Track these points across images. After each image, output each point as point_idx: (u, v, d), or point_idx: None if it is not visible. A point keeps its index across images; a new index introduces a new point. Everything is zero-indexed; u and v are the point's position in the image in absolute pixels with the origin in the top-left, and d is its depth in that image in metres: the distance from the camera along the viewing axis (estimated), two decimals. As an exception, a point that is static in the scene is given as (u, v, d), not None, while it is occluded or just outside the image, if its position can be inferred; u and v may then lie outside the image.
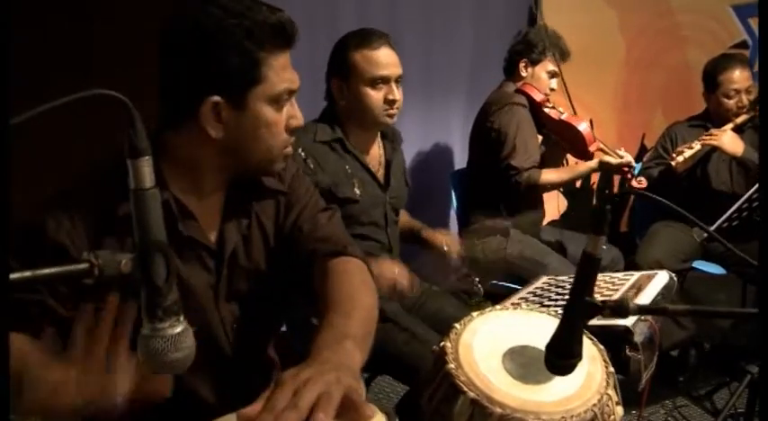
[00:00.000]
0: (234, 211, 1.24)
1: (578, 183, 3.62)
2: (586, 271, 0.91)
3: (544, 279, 1.97)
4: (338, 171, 1.90)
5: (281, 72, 1.12)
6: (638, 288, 1.71)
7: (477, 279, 2.69)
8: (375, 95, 1.89)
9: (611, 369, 1.23)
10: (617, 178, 3.51)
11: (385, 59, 1.89)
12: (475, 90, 3.13)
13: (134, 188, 0.76)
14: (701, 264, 2.96)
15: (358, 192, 1.92)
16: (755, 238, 2.29)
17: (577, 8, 3.62)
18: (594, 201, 3.87)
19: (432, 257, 2.11)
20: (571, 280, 1.88)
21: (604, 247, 2.68)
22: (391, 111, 1.93)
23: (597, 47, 3.73)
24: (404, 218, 2.25)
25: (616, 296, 1.66)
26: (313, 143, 1.89)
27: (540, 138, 2.74)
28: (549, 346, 0.98)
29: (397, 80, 1.92)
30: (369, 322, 1.12)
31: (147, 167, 0.76)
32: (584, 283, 0.92)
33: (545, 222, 3.01)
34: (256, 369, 1.33)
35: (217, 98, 1.09)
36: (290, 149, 1.21)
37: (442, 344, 1.22)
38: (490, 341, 1.18)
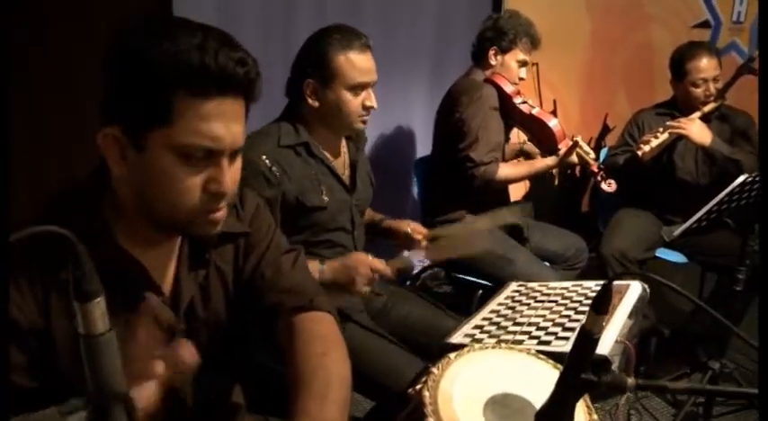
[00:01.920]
0: (189, 261, 1.13)
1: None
2: (583, 348, 0.83)
3: (513, 286, 1.91)
4: (305, 178, 1.79)
5: (197, 122, 0.94)
6: (612, 304, 1.66)
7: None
8: (354, 101, 1.78)
9: (594, 416, 1.18)
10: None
11: (369, 65, 1.79)
12: (438, 73, 3.02)
13: (84, 334, 0.65)
14: (663, 253, 2.95)
15: (326, 198, 1.81)
16: (719, 228, 2.30)
17: (544, -16, 3.51)
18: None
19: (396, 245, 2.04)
20: (542, 288, 1.86)
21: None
22: (366, 117, 1.84)
23: (563, 26, 3.64)
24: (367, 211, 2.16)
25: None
26: (277, 148, 1.76)
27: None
28: (538, 416, 0.90)
29: (373, 85, 1.83)
30: (345, 403, 1.03)
31: (98, 310, 0.66)
32: (579, 360, 0.84)
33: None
34: (220, 417, 1.24)
35: (117, 131, 0.96)
36: (218, 215, 1.03)
37: (419, 388, 1.15)
38: (470, 388, 1.11)
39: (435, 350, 1.50)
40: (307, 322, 1.12)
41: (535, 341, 1.47)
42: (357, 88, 1.77)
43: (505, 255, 2.48)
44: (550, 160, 2.48)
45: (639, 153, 2.70)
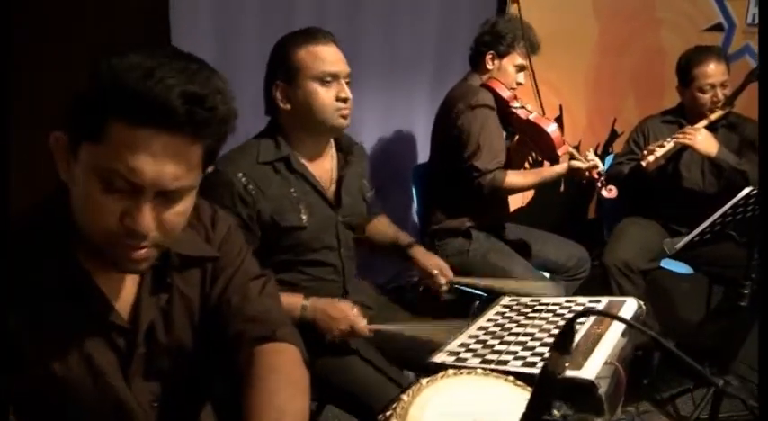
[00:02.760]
0: (152, 284, 1.08)
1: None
2: (544, 389, 0.78)
3: (505, 301, 1.86)
4: (282, 196, 1.72)
5: (122, 149, 0.87)
6: (602, 324, 1.59)
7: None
8: (325, 93, 1.70)
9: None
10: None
11: (333, 56, 1.71)
12: (440, 78, 2.96)
13: None
14: (669, 263, 2.87)
15: (305, 218, 1.74)
16: (724, 240, 2.23)
17: (550, -12, 3.44)
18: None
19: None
20: (533, 304, 1.80)
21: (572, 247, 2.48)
22: (344, 111, 1.73)
23: (570, 29, 3.57)
24: (383, 226, 2.09)
25: (582, 333, 1.54)
26: (255, 165, 1.70)
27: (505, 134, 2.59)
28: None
29: (347, 80, 1.74)
30: None
31: None
32: (540, 401, 0.79)
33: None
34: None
35: (64, 136, 0.93)
36: (139, 254, 0.95)
37: (388, 415, 1.10)
38: (439, 417, 1.06)
39: (420, 368, 1.46)
40: (266, 354, 1.07)
41: (520, 362, 1.41)
42: (324, 78, 1.69)
43: (503, 265, 2.42)
44: (559, 168, 2.41)
45: (643, 163, 2.62)
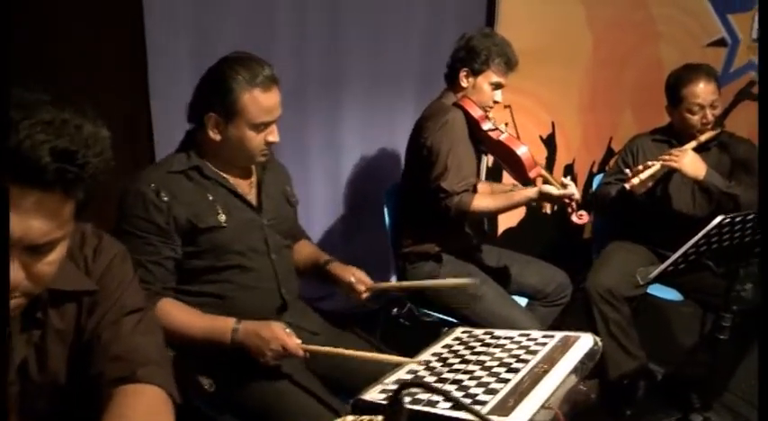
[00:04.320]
0: (22, 320, 1.02)
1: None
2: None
3: (457, 333, 1.77)
4: (197, 200, 1.71)
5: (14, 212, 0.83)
6: (551, 361, 1.50)
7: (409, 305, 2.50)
8: (257, 138, 1.73)
9: None
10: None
11: (274, 103, 1.72)
12: (425, 95, 2.85)
13: None
14: (657, 289, 2.76)
15: (223, 218, 1.72)
16: (701, 270, 2.12)
17: (541, 1, 3.35)
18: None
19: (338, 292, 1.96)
20: (485, 336, 1.71)
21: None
22: (267, 152, 1.79)
23: (562, 42, 3.47)
24: (307, 249, 2.06)
25: (524, 371, 1.44)
26: (165, 175, 1.70)
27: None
28: None
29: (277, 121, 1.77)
30: None
31: None
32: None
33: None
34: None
35: None
36: (11, 302, 0.91)
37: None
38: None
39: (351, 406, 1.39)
40: (123, 396, 1.00)
41: (449, 404, 1.32)
42: (261, 126, 1.71)
43: (472, 290, 2.32)
44: (531, 192, 2.30)
45: (627, 186, 2.51)
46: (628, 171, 2.68)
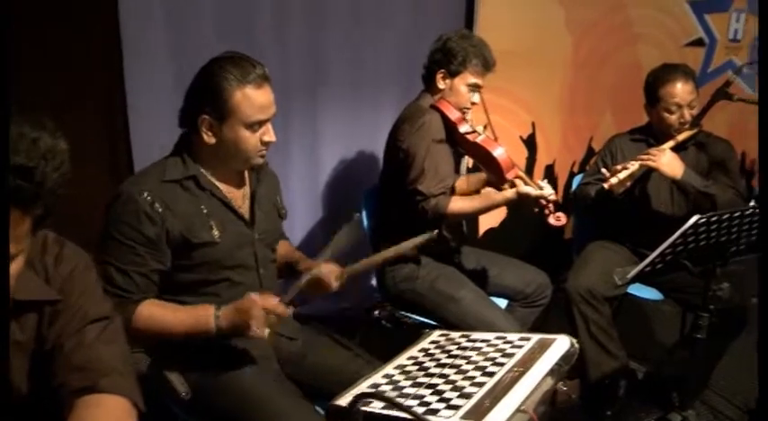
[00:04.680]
0: None
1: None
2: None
3: (434, 336, 1.76)
4: (191, 213, 1.66)
5: None
6: (527, 363, 1.49)
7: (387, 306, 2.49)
8: (252, 138, 1.67)
9: None
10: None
11: (267, 100, 1.66)
12: (405, 96, 2.85)
13: None
14: (637, 289, 2.77)
15: (217, 233, 1.68)
16: (679, 269, 2.13)
17: (520, 3, 3.36)
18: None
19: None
20: (462, 340, 1.71)
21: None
22: (264, 152, 1.73)
23: (542, 44, 3.48)
24: (282, 249, 2.02)
25: (500, 374, 1.44)
26: (161, 184, 1.64)
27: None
28: None
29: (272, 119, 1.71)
30: None
31: None
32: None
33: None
34: None
35: None
36: None
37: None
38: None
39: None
40: (85, 407, 0.99)
41: (424, 408, 1.31)
42: (255, 125, 1.66)
43: (452, 292, 2.32)
44: (508, 193, 2.29)
45: (606, 185, 2.51)
46: (605, 171, 2.70)
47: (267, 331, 1.59)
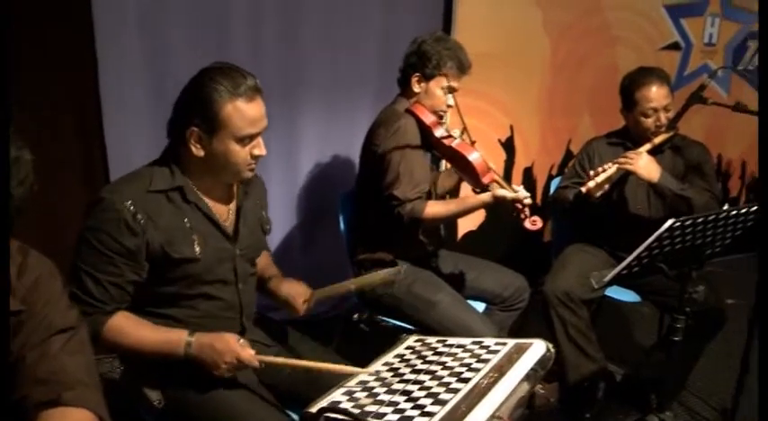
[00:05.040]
0: None
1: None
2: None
3: (410, 341, 1.76)
4: (174, 226, 1.62)
5: None
6: (502, 369, 1.48)
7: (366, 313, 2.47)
8: (242, 152, 1.62)
9: None
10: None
11: (259, 114, 1.62)
12: (382, 99, 2.82)
13: None
14: (615, 292, 2.78)
15: (198, 249, 1.64)
16: (655, 272, 2.14)
17: (498, 5, 3.35)
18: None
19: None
20: (438, 345, 1.70)
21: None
22: (254, 166, 1.68)
23: (519, 47, 3.49)
24: (261, 262, 1.98)
25: (475, 380, 1.43)
26: (145, 193, 1.60)
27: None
28: None
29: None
30: None
31: None
32: None
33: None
34: None
35: None
36: None
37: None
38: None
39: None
40: None
41: (397, 416, 1.30)
42: (246, 139, 1.61)
43: (429, 296, 2.31)
44: (484, 196, 2.27)
45: (583, 189, 2.52)
46: (584, 174, 2.71)
47: (229, 375, 1.60)
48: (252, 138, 1.63)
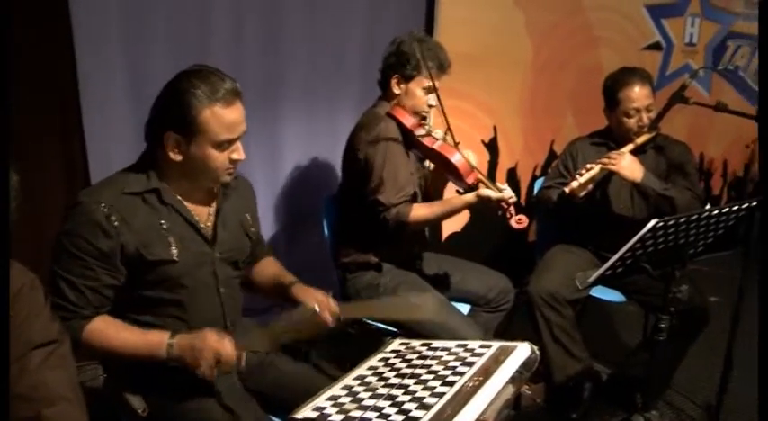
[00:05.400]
0: None
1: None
2: None
3: (394, 345, 1.75)
4: (149, 227, 1.59)
5: None
6: (487, 372, 1.48)
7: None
8: (221, 157, 1.60)
9: None
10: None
11: (237, 119, 1.59)
12: (365, 101, 2.81)
13: None
14: (600, 292, 2.78)
15: (175, 251, 1.61)
16: (639, 272, 2.15)
17: (480, 6, 3.35)
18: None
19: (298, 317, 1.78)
20: (422, 348, 1.69)
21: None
22: (232, 170, 1.66)
23: (502, 47, 3.49)
24: (271, 268, 1.95)
25: (459, 384, 1.42)
26: (120, 195, 1.57)
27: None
28: None
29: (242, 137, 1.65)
30: None
31: None
32: None
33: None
34: None
35: None
36: None
37: None
38: None
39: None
40: None
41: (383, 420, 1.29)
42: (224, 144, 1.59)
43: (413, 299, 2.29)
44: (469, 196, 2.26)
45: (567, 189, 2.52)
46: (568, 174, 2.71)
47: (213, 373, 1.55)
48: (230, 143, 1.60)
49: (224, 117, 1.56)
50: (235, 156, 1.62)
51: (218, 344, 1.53)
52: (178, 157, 1.59)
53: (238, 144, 1.63)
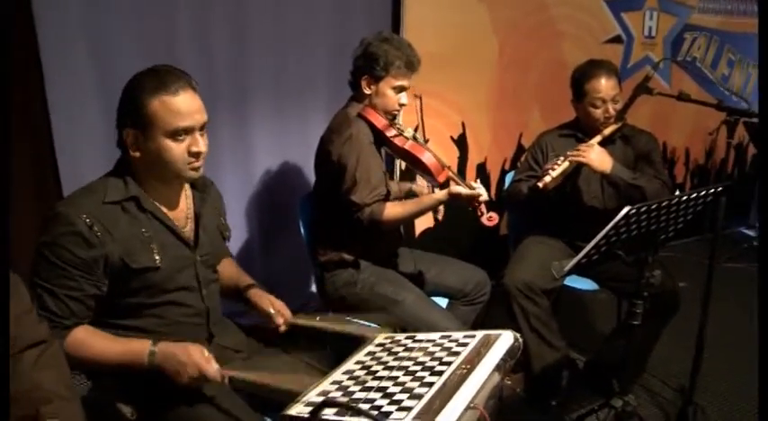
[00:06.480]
0: None
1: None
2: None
3: (379, 339, 1.76)
4: (131, 236, 1.60)
5: None
6: (473, 361, 1.50)
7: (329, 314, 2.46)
8: (177, 148, 1.59)
9: None
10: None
11: (187, 107, 1.58)
12: (335, 102, 2.83)
13: None
14: (573, 281, 2.83)
15: (158, 258, 1.62)
16: (613, 259, 2.20)
17: (445, 5, 3.40)
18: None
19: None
20: (407, 341, 1.71)
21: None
22: (196, 164, 1.64)
23: (468, 45, 3.54)
24: (229, 270, 1.97)
25: (448, 373, 1.45)
26: (101, 205, 1.57)
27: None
28: None
29: (203, 128, 1.63)
30: None
31: None
32: None
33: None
34: None
35: None
36: None
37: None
38: None
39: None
40: None
41: (375, 412, 1.31)
42: (177, 134, 1.58)
43: (392, 295, 2.32)
44: (440, 194, 2.30)
45: (540, 184, 2.56)
46: (538, 167, 2.75)
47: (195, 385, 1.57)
48: (186, 132, 1.59)
49: (172, 104, 1.56)
50: (193, 148, 1.61)
51: (202, 363, 1.53)
52: (137, 154, 1.60)
53: (196, 136, 1.61)
